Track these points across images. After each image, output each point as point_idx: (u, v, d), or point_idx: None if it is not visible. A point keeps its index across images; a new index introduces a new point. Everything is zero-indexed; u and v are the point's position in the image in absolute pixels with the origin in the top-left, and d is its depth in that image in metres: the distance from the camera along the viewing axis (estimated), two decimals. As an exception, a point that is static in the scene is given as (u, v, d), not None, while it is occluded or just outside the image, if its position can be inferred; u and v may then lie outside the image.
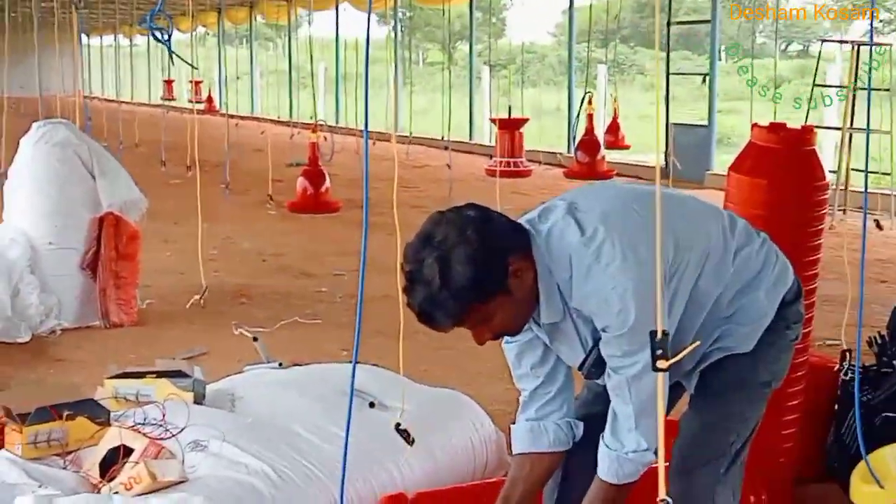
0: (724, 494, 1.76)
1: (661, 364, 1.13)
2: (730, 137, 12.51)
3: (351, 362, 1.77)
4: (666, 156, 9.83)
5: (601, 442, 1.67)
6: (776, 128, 2.64)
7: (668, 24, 10.84)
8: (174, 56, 3.17)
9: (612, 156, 11.62)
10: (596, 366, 1.67)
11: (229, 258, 5.62)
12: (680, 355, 1.20)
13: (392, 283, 1.75)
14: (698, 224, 1.72)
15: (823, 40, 11.20)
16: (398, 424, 2.23)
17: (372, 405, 2.56)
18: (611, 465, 1.64)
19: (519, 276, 1.57)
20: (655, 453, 1.50)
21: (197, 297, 4.77)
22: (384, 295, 2.76)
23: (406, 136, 14.45)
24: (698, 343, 1.57)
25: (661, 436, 1.15)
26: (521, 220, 1.65)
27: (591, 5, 12.23)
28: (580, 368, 1.73)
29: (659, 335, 1.14)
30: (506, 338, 1.73)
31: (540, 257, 1.59)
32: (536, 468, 1.77)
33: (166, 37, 2.93)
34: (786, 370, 1.85)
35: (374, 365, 2.86)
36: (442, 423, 2.61)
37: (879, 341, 2.73)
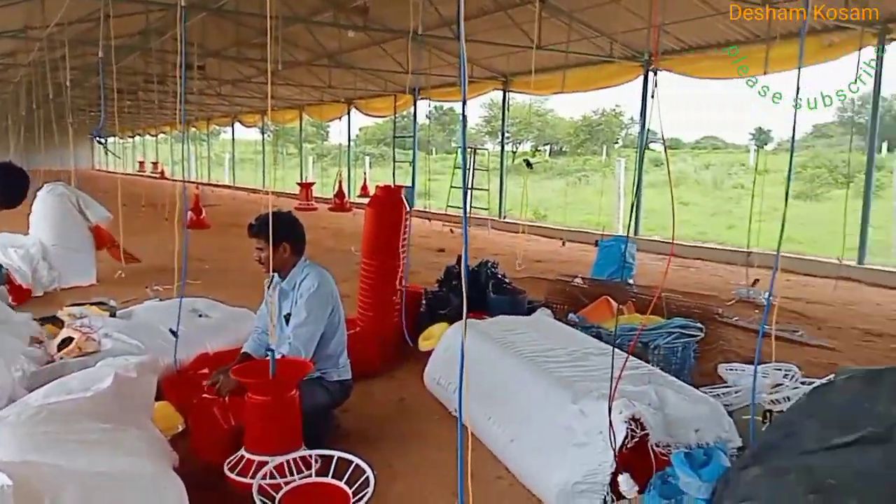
0: None
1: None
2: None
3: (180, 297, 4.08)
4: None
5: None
6: (386, 186, 5.03)
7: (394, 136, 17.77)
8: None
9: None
10: (288, 322, 3.54)
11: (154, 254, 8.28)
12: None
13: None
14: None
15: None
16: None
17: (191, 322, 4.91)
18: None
19: (286, 249, 3.57)
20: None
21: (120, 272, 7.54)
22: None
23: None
24: None
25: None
26: None
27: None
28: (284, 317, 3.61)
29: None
30: (267, 298, 3.68)
31: (304, 262, 3.67)
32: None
33: (104, 141, 5.32)
34: None
35: (203, 297, 5.23)
36: (237, 323, 4.94)
37: (441, 279, 5.26)
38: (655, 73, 11.11)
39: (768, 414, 3.33)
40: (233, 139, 32.48)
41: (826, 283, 8.72)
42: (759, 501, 2.12)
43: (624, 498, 2.71)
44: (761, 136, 29.26)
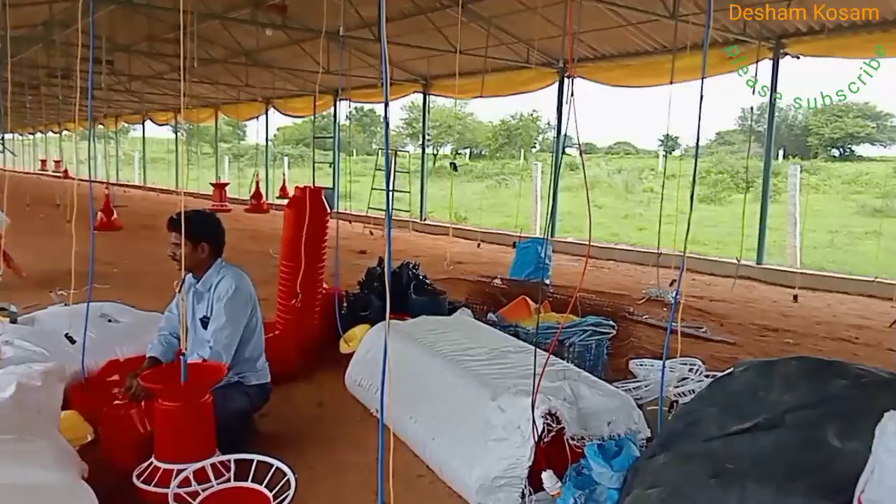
0: None
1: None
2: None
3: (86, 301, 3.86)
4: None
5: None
6: (306, 187, 4.97)
7: (314, 136, 17.92)
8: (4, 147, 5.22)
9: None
10: (203, 324, 3.46)
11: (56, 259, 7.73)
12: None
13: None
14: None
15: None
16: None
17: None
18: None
19: (205, 249, 3.46)
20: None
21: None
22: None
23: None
24: None
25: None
26: None
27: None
28: (200, 319, 3.50)
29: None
30: (178, 300, 3.56)
31: (220, 264, 3.56)
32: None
33: None
34: None
35: (112, 301, 5.00)
36: (149, 328, 4.67)
37: (362, 281, 5.25)
38: (571, 80, 11.45)
39: (674, 405, 3.51)
40: (143, 137, 31.21)
41: (727, 282, 9.23)
42: (666, 487, 2.24)
43: (542, 490, 2.80)
44: (669, 143, 30.59)
